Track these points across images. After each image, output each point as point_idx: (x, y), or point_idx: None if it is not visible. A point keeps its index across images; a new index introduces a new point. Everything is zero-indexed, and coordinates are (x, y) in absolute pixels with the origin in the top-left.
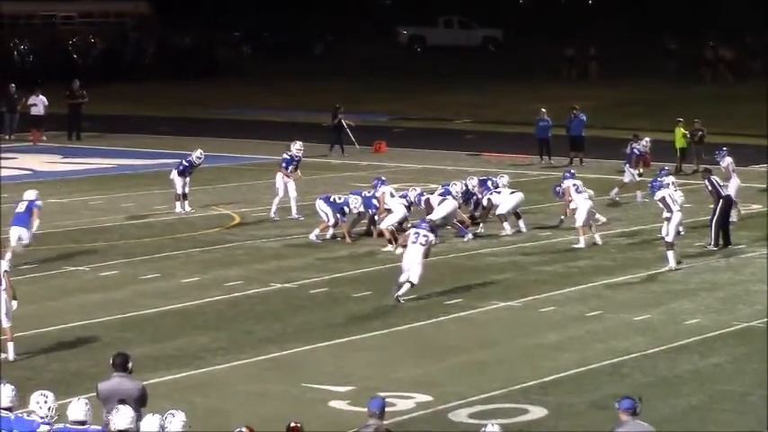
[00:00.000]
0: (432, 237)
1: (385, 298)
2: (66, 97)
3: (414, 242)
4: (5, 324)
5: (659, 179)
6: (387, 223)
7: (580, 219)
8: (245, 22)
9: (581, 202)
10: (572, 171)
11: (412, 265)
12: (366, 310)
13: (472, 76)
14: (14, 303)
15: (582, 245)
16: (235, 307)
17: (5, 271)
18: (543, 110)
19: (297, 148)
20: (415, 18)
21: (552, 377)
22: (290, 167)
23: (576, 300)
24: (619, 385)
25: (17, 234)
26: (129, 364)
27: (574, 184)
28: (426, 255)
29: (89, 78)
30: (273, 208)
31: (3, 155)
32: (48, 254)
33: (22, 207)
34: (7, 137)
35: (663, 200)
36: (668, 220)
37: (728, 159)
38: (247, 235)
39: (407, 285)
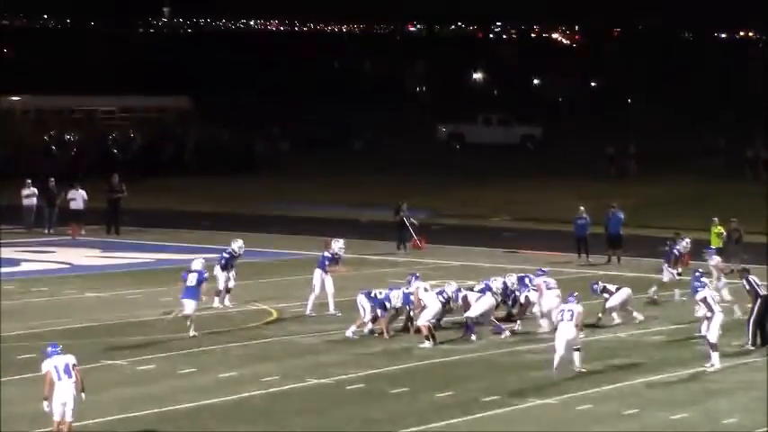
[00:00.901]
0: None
1: (421, 394)
2: (105, 191)
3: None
4: (69, 418)
5: (702, 279)
6: (424, 319)
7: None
8: (284, 118)
9: (551, 299)
10: (544, 269)
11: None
12: (403, 406)
13: (510, 174)
14: (83, 396)
15: (545, 329)
16: (271, 402)
17: (74, 364)
18: (582, 207)
19: (339, 246)
20: (454, 115)
21: None
22: (329, 264)
23: (613, 398)
24: None
25: (190, 306)
26: None
27: (545, 281)
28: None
29: (129, 173)
30: (309, 305)
31: (41, 248)
32: (87, 347)
33: (192, 280)
34: (46, 231)
35: (704, 300)
36: (709, 319)
37: (717, 258)
38: (284, 330)
39: (578, 353)
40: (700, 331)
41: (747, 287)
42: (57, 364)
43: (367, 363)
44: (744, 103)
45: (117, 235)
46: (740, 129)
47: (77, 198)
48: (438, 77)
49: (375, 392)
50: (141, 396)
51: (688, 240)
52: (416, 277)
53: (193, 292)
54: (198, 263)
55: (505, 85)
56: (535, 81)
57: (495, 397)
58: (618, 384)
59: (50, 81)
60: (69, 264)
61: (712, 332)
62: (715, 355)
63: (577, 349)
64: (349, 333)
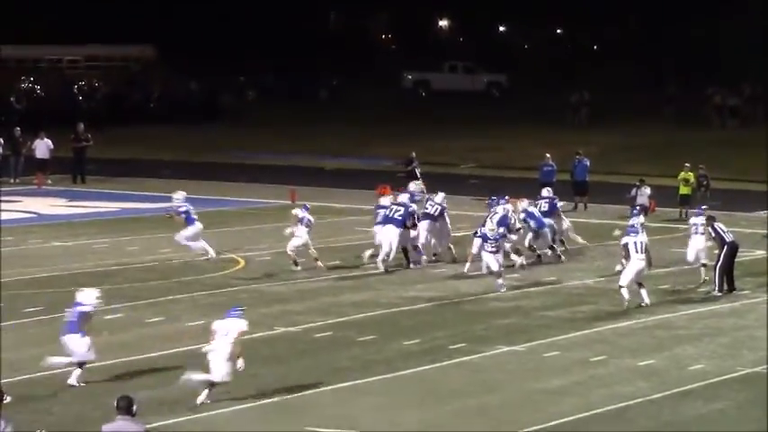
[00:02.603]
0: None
1: (389, 342)
2: (71, 140)
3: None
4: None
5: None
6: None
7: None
8: (250, 67)
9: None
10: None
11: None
12: (370, 354)
13: (477, 121)
14: (240, 362)
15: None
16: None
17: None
18: (548, 154)
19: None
20: (419, 63)
21: (556, 422)
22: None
23: (580, 345)
24: (623, 430)
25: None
26: (133, 408)
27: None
28: None
29: (94, 122)
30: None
31: (7, 198)
32: (53, 297)
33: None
34: (12, 180)
35: (626, 246)
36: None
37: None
38: (252, 279)
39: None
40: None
41: (713, 234)
42: (223, 326)
43: (334, 311)
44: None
45: (83, 184)
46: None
47: (43, 147)
48: (403, 25)
49: (343, 340)
50: (109, 345)
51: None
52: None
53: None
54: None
55: (470, 32)
56: (500, 28)
57: (463, 344)
58: (585, 331)
59: (16, 30)
60: (35, 213)
61: (626, 277)
62: (643, 292)
63: (641, 284)
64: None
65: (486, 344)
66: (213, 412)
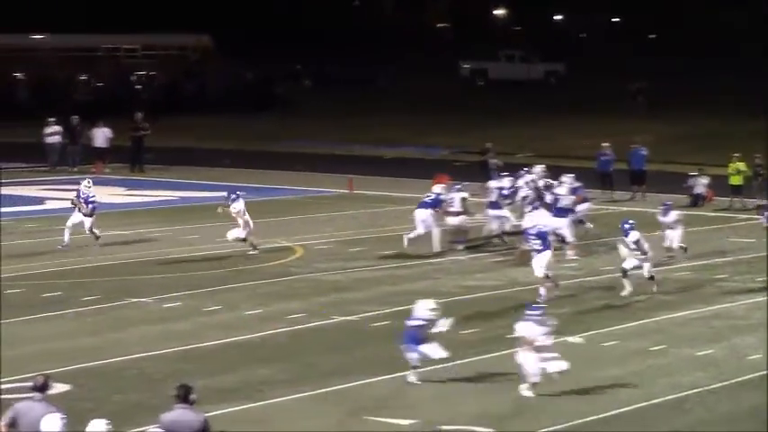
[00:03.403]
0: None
1: (448, 331)
2: (129, 130)
3: None
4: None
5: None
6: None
7: None
8: (306, 56)
9: None
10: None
11: None
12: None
13: (533, 110)
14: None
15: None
16: (297, 339)
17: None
18: (605, 143)
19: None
20: (477, 52)
21: (615, 412)
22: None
23: (637, 334)
24: (681, 420)
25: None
26: (192, 396)
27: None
28: None
29: (151, 111)
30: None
31: (66, 186)
32: (112, 285)
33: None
34: (70, 168)
35: (638, 241)
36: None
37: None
38: (309, 267)
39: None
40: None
41: (766, 224)
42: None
43: (393, 300)
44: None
45: (141, 173)
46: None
47: (101, 136)
48: (460, 14)
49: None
50: (166, 334)
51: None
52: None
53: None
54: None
55: (528, 20)
56: (557, 17)
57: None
58: (643, 321)
59: (73, 19)
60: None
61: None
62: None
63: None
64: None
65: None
66: (271, 401)
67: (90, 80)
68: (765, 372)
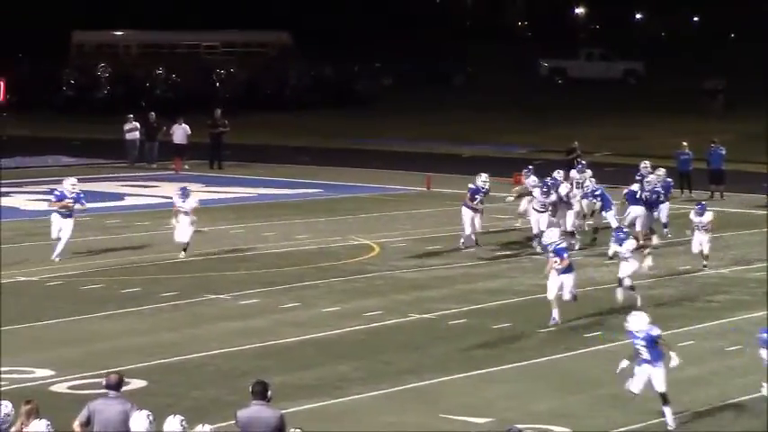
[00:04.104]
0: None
1: (523, 330)
2: (208, 126)
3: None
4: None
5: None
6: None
7: None
8: (386, 53)
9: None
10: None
11: None
12: (505, 341)
13: (612, 109)
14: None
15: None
16: (374, 337)
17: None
18: (684, 143)
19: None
20: (556, 50)
21: (691, 411)
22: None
23: (715, 334)
24: (758, 421)
25: None
26: (269, 393)
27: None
28: None
29: (231, 108)
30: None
31: (145, 183)
32: (189, 282)
33: None
34: (148, 165)
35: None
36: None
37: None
38: (387, 265)
39: None
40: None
41: None
42: None
43: (470, 298)
44: None
45: (219, 170)
46: None
47: (180, 133)
48: (539, 12)
49: (478, 328)
50: (243, 330)
51: None
52: None
53: None
54: None
55: (607, 19)
56: (637, 15)
57: (598, 332)
58: (720, 321)
59: (155, 16)
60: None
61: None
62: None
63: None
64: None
65: (621, 332)
66: (348, 398)
67: (170, 77)
68: None
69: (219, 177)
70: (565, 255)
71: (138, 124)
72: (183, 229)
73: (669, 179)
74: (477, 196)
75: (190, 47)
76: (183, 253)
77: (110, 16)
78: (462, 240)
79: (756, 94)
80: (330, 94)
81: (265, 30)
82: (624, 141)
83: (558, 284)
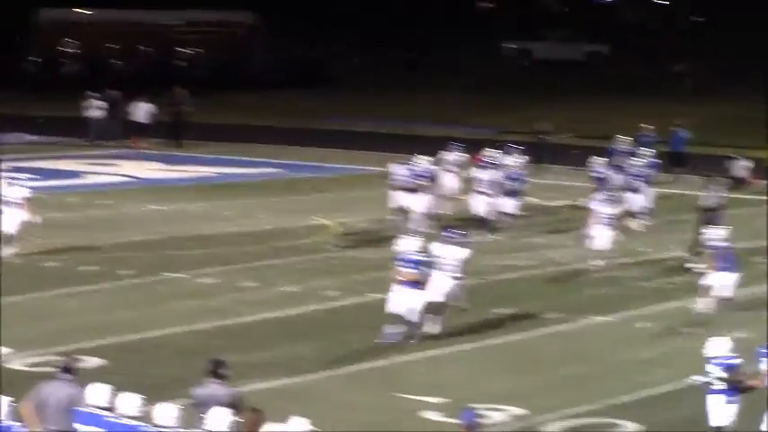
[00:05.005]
0: None
1: (479, 310)
2: (169, 105)
3: None
4: None
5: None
6: None
7: None
8: (354, 34)
9: None
10: None
11: None
12: (462, 322)
13: (576, 91)
14: None
15: None
16: (332, 317)
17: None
18: (647, 125)
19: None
20: (521, 32)
21: (648, 393)
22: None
23: (672, 316)
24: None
25: None
26: (224, 371)
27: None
28: None
29: (194, 87)
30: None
31: (105, 161)
32: (148, 260)
33: None
34: (107, 143)
35: None
36: None
37: None
38: (346, 245)
39: None
40: None
41: None
42: None
43: None
44: None
45: (181, 148)
46: None
47: (142, 111)
48: None
49: (432, 308)
50: (202, 309)
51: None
52: None
53: None
54: None
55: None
56: None
57: (556, 314)
58: (677, 303)
59: None
60: (133, 177)
61: None
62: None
63: None
64: None
65: (579, 313)
66: (305, 377)
67: (134, 55)
68: None
69: (181, 156)
70: (413, 267)
71: (100, 102)
72: (9, 220)
73: (656, 160)
74: (413, 179)
75: (155, 26)
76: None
77: None
78: (411, 224)
79: (723, 77)
80: (296, 73)
81: (232, 9)
82: (590, 124)
83: (405, 299)
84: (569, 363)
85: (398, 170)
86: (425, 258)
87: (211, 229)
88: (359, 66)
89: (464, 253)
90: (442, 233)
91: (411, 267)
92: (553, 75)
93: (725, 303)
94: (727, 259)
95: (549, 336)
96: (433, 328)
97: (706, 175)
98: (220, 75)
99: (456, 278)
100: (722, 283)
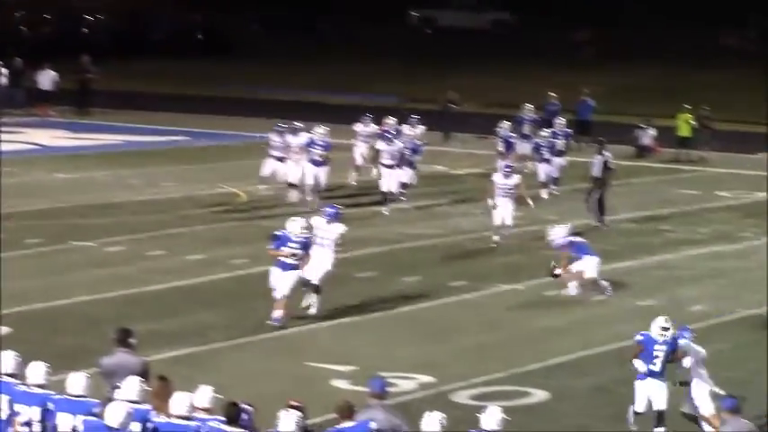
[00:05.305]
0: None
1: (388, 278)
2: (75, 72)
3: None
4: None
5: None
6: None
7: None
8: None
9: None
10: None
11: None
12: (370, 291)
13: (481, 59)
14: None
15: None
16: (239, 285)
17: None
18: (552, 94)
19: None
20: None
21: (555, 360)
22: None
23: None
24: (621, 370)
25: None
26: (132, 340)
27: None
28: None
29: (98, 54)
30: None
31: (10, 129)
32: (55, 229)
33: None
34: (13, 111)
35: None
36: None
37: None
38: (253, 213)
39: None
40: None
41: None
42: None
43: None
44: None
45: (87, 116)
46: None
47: (47, 78)
48: None
49: (342, 277)
50: (110, 277)
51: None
52: None
53: None
54: None
55: None
56: None
57: (463, 282)
58: None
59: None
60: (38, 145)
61: None
62: None
63: None
64: None
65: (487, 281)
66: (213, 345)
67: (36, 22)
68: (704, 323)
69: (86, 124)
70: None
71: (3, 70)
72: None
73: (568, 129)
74: (312, 147)
75: None
76: None
77: None
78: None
79: (627, 46)
80: (197, 40)
81: None
82: (496, 92)
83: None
84: (477, 331)
85: (275, 138)
86: (305, 237)
87: (118, 197)
88: (259, 33)
89: (342, 228)
90: (322, 208)
91: (293, 248)
92: (458, 43)
93: (593, 285)
94: (580, 248)
95: (457, 304)
96: (312, 308)
97: (597, 143)
98: (122, 42)
99: (335, 252)
100: (588, 266)
